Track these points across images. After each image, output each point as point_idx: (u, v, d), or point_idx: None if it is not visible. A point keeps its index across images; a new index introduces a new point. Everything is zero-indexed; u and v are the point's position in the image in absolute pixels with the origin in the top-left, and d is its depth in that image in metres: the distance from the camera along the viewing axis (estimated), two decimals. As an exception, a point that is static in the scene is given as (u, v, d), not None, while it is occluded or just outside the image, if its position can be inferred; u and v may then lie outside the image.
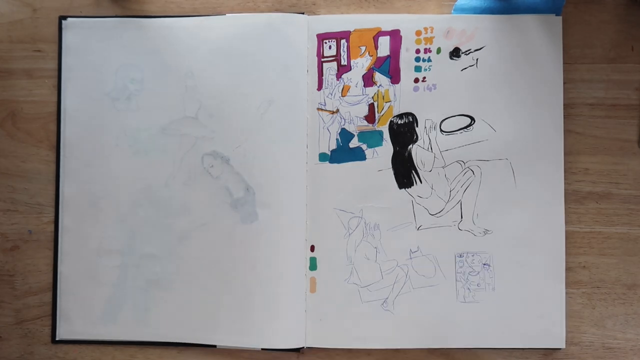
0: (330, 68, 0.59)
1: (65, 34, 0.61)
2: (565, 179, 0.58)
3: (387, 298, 0.59)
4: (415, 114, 0.59)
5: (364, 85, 0.59)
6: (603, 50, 0.59)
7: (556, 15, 0.58)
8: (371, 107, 0.59)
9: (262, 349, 0.58)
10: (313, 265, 0.59)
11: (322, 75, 0.59)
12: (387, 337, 0.58)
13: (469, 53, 0.59)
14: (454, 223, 0.58)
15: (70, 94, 0.60)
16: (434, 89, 0.59)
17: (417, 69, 0.59)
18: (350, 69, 0.59)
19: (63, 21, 0.61)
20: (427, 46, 0.59)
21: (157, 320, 0.59)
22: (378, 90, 0.59)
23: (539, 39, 0.58)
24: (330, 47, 0.59)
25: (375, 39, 0.59)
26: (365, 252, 0.58)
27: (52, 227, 0.61)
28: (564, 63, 0.58)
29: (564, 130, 0.58)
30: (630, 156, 0.59)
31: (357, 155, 0.59)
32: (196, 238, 0.59)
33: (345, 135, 0.59)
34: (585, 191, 0.59)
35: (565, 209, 0.58)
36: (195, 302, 0.59)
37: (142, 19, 0.60)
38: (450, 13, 0.59)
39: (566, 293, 0.58)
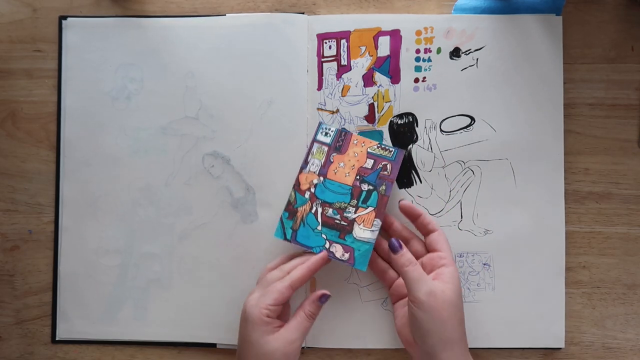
0: (330, 68, 0.59)
1: (65, 34, 0.61)
2: (565, 179, 0.58)
3: (387, 298, 0.59)
4: (415, 114, 0.59)
5: (364, 85, 0.59)
6: (603, 50, 0.59)
7: (556, 15, 0.58)
8: (371, 107, 0.59)
9: (262, 349, 0.58)
10: (313, 265, 0.59)
11: (322, 75, 0.59)
12: (387, 337, 0.58)
13: (469, 53, 0.59)
14: (454, 223, 0.58)
15: (70, 94, 0.60)
16: (434, 89, 0.59)
17: (417, 69, 0.59)
18: (350, 69, 0.59)
19: (63, 21, 0.61)
20: (427, 46, 0.59)
21: (157, 320, 0.59)
22: (378, 90, 0.59)
23: (539, 39, 0.58)
24: (330, 47, 0.59)
25: (375, 39, 0.59)
26: (365, 252, 0.58)
27: (52, 227, 0.61)
28: (564, 63, 0.58)
29: (564, 130, 0.58)
30: (630, 156, 0.59)
31: (357, 155, 0.59)
32: (196, 238, 0.59)
33: (345, 135, 0.59)
34: (585, 191, 0.59)
35: (565, 209, 0.58)
36: (195, 301, 0.59)
37: (142, 19, 0.60)
38: (450, 13, 0.59)
39: (566, 293, 0.58)
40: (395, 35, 0.59)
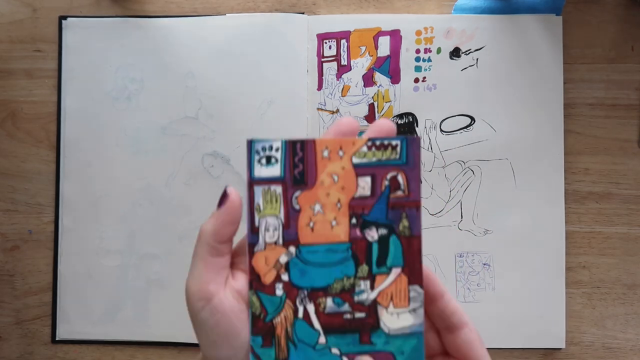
0: (330, 68, 0.59)
1: (65, 34, 0.61)
2: (565, 179, 0.58)
3: (387, 298, 0.58)
4: (415, 114, 0.59)
5: (364, 85, 0.59)
6: (603, 50, 0.59)
7: (556, 15, 0.58)
8: (371, 107, 0.59)
9: (262, 349, 0.58)
10: (313, 265, 0.58)
11: (322, 75, 0.59)
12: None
13: (469, 53, 0.59)
14: (454, 223, 0.58)
15: (70, 94, 0.60)
16: (434, 89, 0.59)
17: (417, 69, 0.59)
18: (350, 69, 0.59)
19: (63, 21, 0.61)
20: (427, 46, 0.59)
21: (157, 320, 0.59)
22: (378, 90, 0.59)
23: (539, 39, 0.58)
24: (330, 47, 0.59)
25: (375, 39, 0.59)
26: (365, 252, 0.58)
27: (52, 227, 0.61)
28: (564, 63, 0.58)
29: (564, 130, 0.58)
30: (630, 156, 0.59)
31: (357, 155, 0.59)
32: (196, 238, 0.59)
33: (345, 135, 0.59)
34: (585, 191, 0.59)
35: (565, 209, 0.58)
36: (195, 302, 0.59)
37: (142, 19, 0.60)
38: (450, 13, 0.59)
39: (566, 293, 0.58)
40: (395, 35, 0.59)
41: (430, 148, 0.59)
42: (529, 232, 0.58)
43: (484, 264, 0.58)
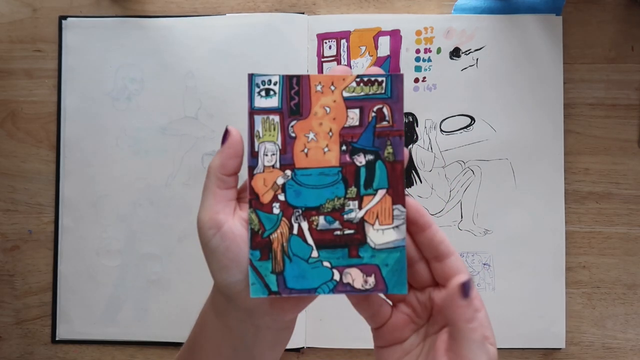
0: (330, 68, 0.59)
1: (65, 34, 0.61)
2: (565, 179, 0.58)
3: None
4: (415, 114, 0.59)
5: (364, 85, 0.59)
6: (603, 50, 0.59)
7: (556, 15, 0.58)
8: (371, 107, 0.59)
9: (262, 349, 0.58)
10: (313, 265, 0.58)
11: (322, 75, 0.59)
12: (387, 337, 0.58)
13: (469, 53, 0.59)
14: (454, 223, 0.58)
15: (70, 94, 0.60)
16: (434, 89, 0.59)
17: (417, 69, 0.59)
18: (351, 69, 0.59)
19: (63, 21, 0.61)
20: (427, 46, 0.59)
21: (157, 320, 0.59)
22: (378, 90, 0.59)
23: (539, 39, 0.58)
24: (330, 47, 0.59)
25: (375, 39, 0.59)
26: (365, 252, 0.58)
27: (52, 227, 0.61)
28: (564, 63, 0.58)
29: (564, 130, 0.58)
30: (630, 156, 0.59)
31: (357, 155, 0.59)
32: (196, 238, 0.59)
33: (345, 135, 0.59)
34: (585, 191, 0.59)
35: (565, 209, 0.58)
36: (195, 302, 0.59)
37: (142, 19, 0.60)
38: (450, 13, 0.59)
39: (566, 293, 0.58)
40: (395, 35, 0.59)
41: (430, 148, 0.59)
42: (529, 232, 0.58)
43: (484, 264, 0.58)
